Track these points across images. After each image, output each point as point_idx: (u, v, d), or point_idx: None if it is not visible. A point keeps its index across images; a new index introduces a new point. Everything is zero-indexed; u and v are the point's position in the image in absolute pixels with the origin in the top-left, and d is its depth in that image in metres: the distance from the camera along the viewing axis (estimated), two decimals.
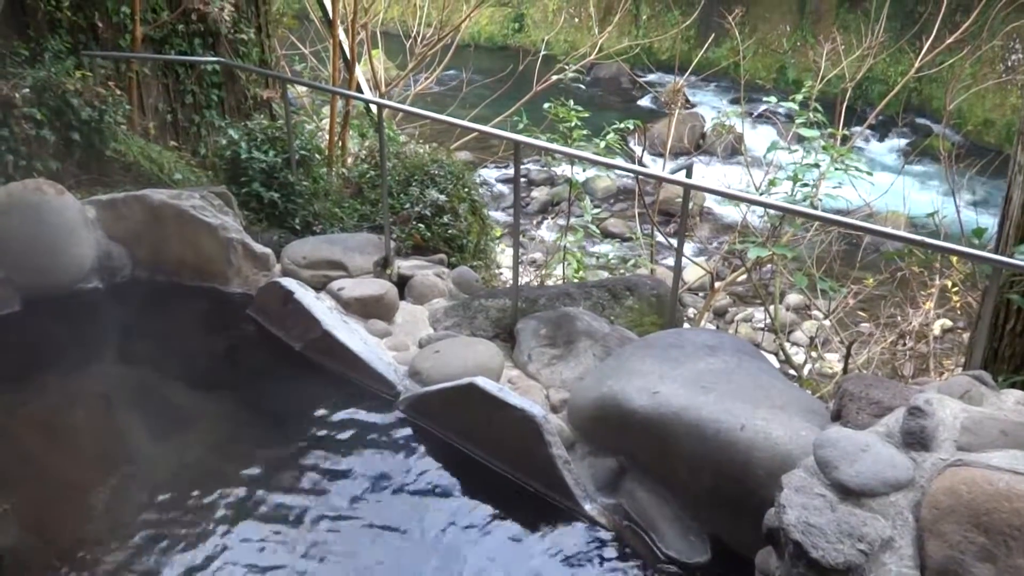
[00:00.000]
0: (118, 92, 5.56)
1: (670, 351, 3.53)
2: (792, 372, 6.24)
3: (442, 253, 5.59)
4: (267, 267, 4.90)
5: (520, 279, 4.85)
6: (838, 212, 5.34)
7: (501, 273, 7.11)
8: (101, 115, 5.27)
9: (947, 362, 6.09)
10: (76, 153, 5.27)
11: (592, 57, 9.93)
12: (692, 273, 8.68)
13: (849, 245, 7.56)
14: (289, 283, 4.42)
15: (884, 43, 10.05)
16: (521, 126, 6.43)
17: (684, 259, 4.41)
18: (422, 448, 3.56)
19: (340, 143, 7.15)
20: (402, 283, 4.98)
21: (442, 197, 5.74)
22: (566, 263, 6.83)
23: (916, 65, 7.81)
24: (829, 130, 5.82)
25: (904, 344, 6.30)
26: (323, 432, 3.65)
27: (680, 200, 4.12)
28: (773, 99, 5.92)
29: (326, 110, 7.98)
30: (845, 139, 6.23)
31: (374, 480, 3.36)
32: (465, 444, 3.53)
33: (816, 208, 5.38)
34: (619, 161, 5.57)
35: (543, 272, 7.89)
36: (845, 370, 5.80)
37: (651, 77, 16.28)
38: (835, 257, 6.98)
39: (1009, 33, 13.02)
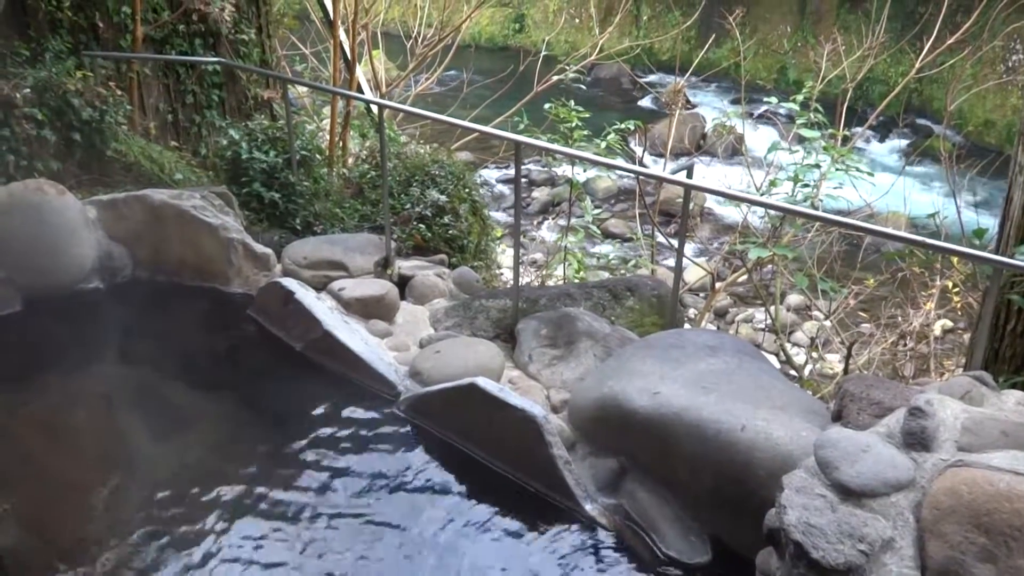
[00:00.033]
0: (119, 92, 5.56)
1: (671, 352, 3.53)
2: (793, 373, 6.25)
3: (443, 253, 5.59)
4: (268, 267, 4.90)
5: (521, 279, 4.85)
6: (839, 213, 5.34)
7: (502, 273, 7.12)
8: (102, 115, 5.27)
9: (948, 363, 6.08)
10: (77, 153, 5.28)
11: (593, 58, 9.93)
12: (693, 274, 8.68)
13: (850, 246, 7.56)
14: (290, 283, 4.43)
15: (885, 44, 10.05)
16: (522, 126, 6.44)
17: (685, 259, 4.41)
18: (422, 448, 3.56)
19: (341, 143, 7.15)
20: (403, 283, 4.99)
21: (443, 197, 5.75)
22: (567, 263, 6.84)
23: (917, 66, 7.81)
24: (830, 131, 5.82)
25: (905, 345, 6.30)
26: (324, 432, 3.65)
27: (681, 201, 4.12)
28: (774, 100, 5.93)
29: (327, 110, 7.98)
30: (846, 140, 6.23)
31: (374, 480, 3.36)
32: (466, 444, 3.53)
33: (817, 209, 5.37)
34: (620, 162, 5.58)
35: (544, 272, 7.90)
36: (846, 371, 5.80)
37: (652, 78, 16.29)
38: (836, 258, 6.98)
39: (1010, 34, 13.03)
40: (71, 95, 5.10)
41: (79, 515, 3.11)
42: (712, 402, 3.08)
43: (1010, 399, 2.55)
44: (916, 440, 2.40)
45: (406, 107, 5.98)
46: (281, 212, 5.54)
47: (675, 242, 4.52)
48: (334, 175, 6.40)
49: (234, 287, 4.80)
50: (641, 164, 9.65)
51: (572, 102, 6.39)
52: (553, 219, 11.81)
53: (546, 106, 6.46)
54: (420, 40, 9.39)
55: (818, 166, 5.54)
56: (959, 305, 6.18)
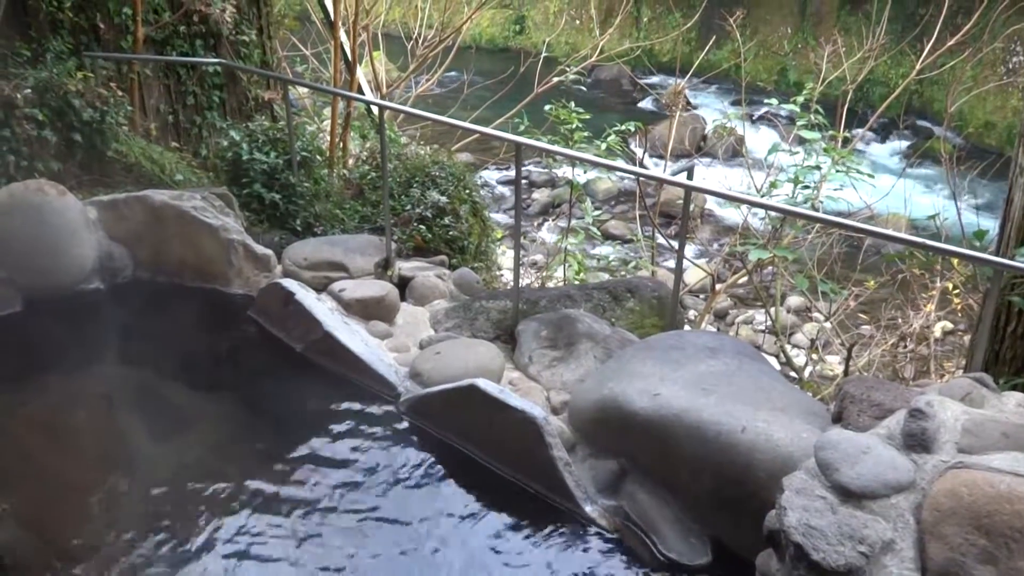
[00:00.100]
0: (120, 93, 5.56)
1: (671, 353, 3.53)
2: (793, 374, 6.24)
3: (443, 254, 5.60)
4: (268, 268, 4.90)
5: (521, 281, 4.85)
6: (839, 214, 5.36)
7: (502, 275, 7.12)
8: (103, 116, 5.27)
9: (948, 364, 6.08)
10: (78, 154, 5.28)
11: (593, 59, 9.93)
12: (693, 275, 8.68)
13: (850, 247, 7.56)
14: (290, 284, 4.43)
15: (885, 45, 10.04)
16: (522, 128, 6.44)
17: (685, 261, 4.41)
18: (422, 449, 3.56)
19: (341, 144, 7.16)
20: (403, 284, 4.99)
21: (443, 199, 5.75)
22: (567, 265, 6.84)
23: (917, 67, 7.80)
24: (830, 132, 5.82)
25: (905, 346, 6.30)
26: (324, 433, 3.65)
27: (681, 202, 4.12)
28: (774, 101, 5.94)
29: (327, 111, 7.99)
30: (846, 141, 6.23)
31: (374, 480, 3.36)
32: (466, 445, 3.53)
33: (817, 210, 5.37)
34: (620, 163, 5.59)
35: (544, 274, 7.90)
36: (846, 372, 5.80)
37: (652, 79, 16.30)
38: (836, 259, 6.97)
39: (1010, 36, 13.04)
40: (72, 96, 5.10)
41: (79, 515, 3.11)
42: (712, 404, 3.08)
43: (1010, 401, 2.55)
44: (916, 442, 2.40)
45: (406, 108, 5.98)
46: (281, 213, 5.54)
47: (675, 244, 4.52)
48: (334, 176, 6.40)
49: (234, 288, 4.80)
50: (641, 166, 9.65)
51: (572, 103, 6.39)
52: (553, 220, 11.81)
53: (546, 107, 6.46)
54: (421, 41, 9.40)
55: (818, 168, 5.54)
56: (959, 307, 6.18)
